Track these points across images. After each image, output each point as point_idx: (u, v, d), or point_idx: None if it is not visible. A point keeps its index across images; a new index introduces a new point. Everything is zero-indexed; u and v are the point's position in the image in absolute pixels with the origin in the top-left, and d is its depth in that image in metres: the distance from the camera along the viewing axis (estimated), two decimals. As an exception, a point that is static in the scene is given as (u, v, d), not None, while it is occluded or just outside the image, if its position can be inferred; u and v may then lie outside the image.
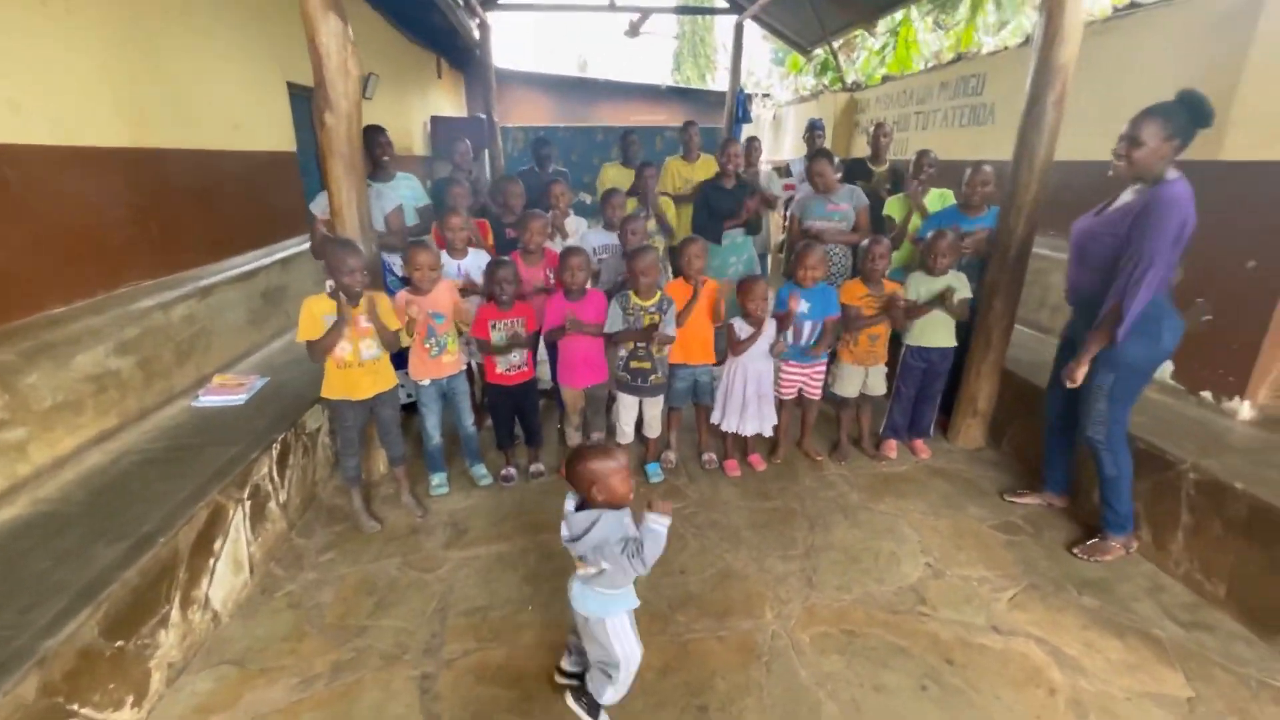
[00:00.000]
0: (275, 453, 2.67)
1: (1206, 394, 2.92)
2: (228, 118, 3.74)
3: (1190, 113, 2.17)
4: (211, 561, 2.19)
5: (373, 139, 3.28)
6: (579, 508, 1.69)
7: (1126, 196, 2.36)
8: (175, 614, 1.99)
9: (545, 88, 13.92)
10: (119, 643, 1.75)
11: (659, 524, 1.61)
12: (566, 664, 1.98)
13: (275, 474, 2.67)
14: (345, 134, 2.68)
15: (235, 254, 3.77)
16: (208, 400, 2.95)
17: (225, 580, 2.26)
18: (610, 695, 1.81)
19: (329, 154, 2.70)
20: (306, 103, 4.53)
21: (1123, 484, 2.48)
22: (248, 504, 2.43)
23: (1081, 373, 2.40)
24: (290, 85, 4.48)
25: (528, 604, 2.35)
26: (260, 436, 2.65)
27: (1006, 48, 5.16)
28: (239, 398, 2.98)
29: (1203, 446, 2.54)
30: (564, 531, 1.69)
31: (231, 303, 3.44)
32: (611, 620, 1.73)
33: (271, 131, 4.28)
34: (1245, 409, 2.78)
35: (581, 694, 1.87)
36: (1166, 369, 3.08)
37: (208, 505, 2.18)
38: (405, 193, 3.45)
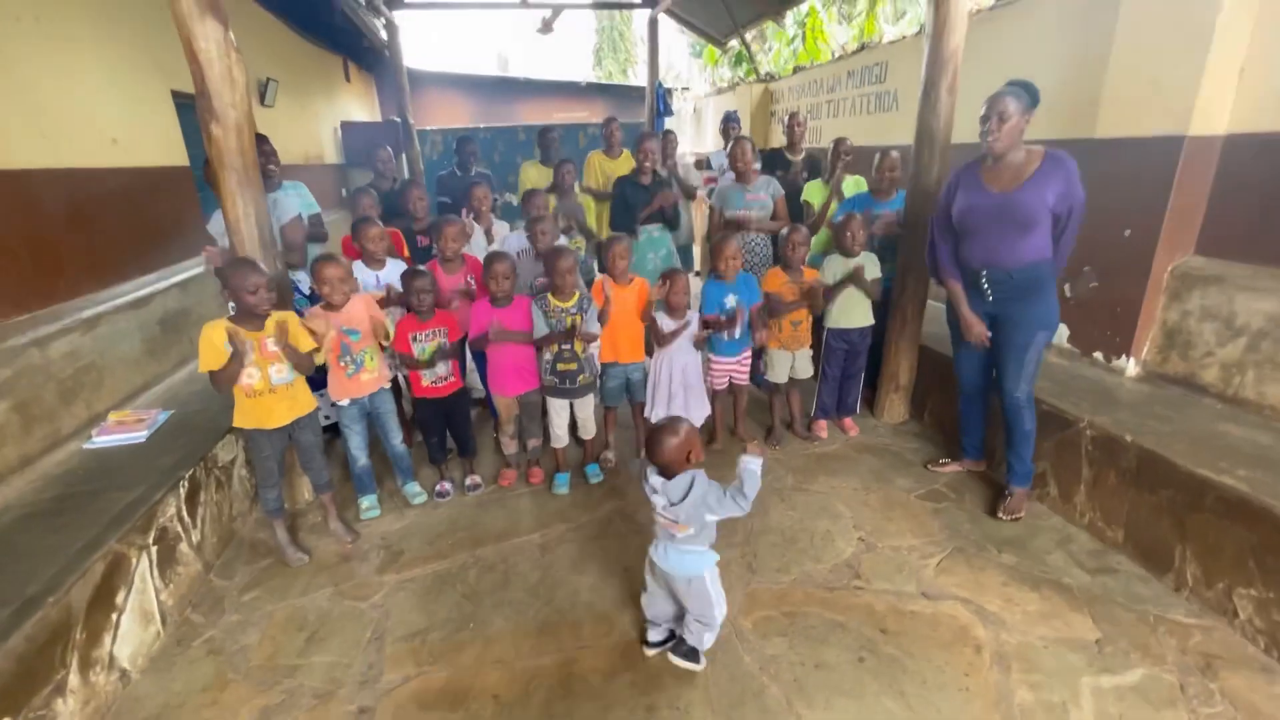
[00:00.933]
0: (184, 491, 2.48)
1: (1098, 355, 3.16)
2: (102, 132, 3.44)
3: (1029, 94, 2.39)
4: (114, 616, 2.02)
5: (261, 152, 3.11)
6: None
7: (998, 170, 2.50)
8: (74, 679, 1.82)
9: (463, 88, 13.58)
10: (5, 719, 1.58)
11: (754, 464, 1.87)
12: (655, 635, 2.12)
13: (185, 513, 2.48)
14: (236, 145, 2.51)
15: (124, 280, 3.49)
16: (103, 441, 2.72)
17: (132, 635, 2.09)
18: (709, 639, 2.05)
19: (220, 167, 2.52)
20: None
21: (1033, 438, 2.66)
22: (154, 549, 2.25)
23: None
24: (176, 94, 4.17)
25: (469, 622, 2.29)
26: (165, 475, 2.47)
27: (905, 37, 5.39)
28: (139, 435, 2.76)
29: (1096, 404, 2.75)
30: (660, 500, 1.90)
31: (124, 333, 3.17)
32: (709, 571, 1.96)
33: (157, 145, 3.97)
34: (1131, 366, 3.02)
35: (681, 649, 2.06)
36: (1063, 333, 3.31)
37: (104, 556, 2.00)
38: (295, 201, 3.28)
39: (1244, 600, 2.08)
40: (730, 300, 3.09)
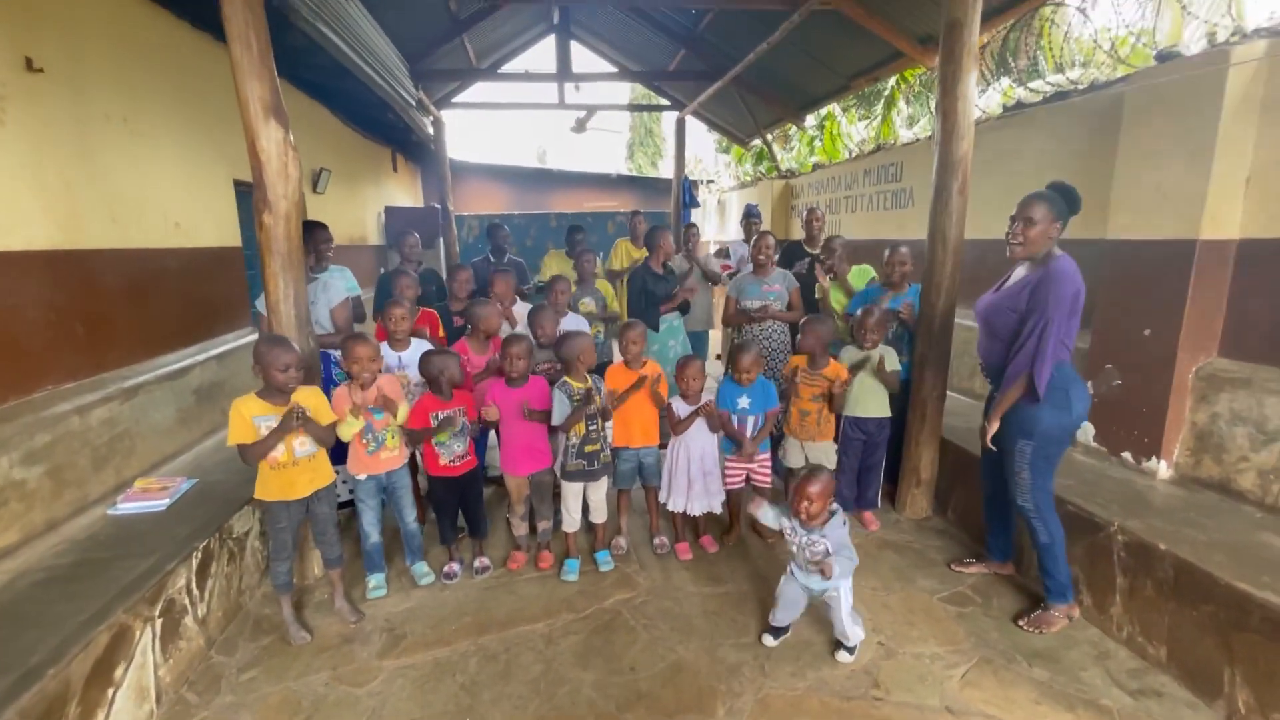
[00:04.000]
0: (195, 562, 2.50)
1: (1127, 455, 3.06)
2: (167, 217, 3.74)
3: (1065, 199, 2.42)
4: (110, 692, 1.99)
5: (315, 235, 3.35)
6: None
7: (1020, 273, 2.57)
8: (61, 758, 1.78)
9: (501, 178, 14.44)
10: (-13, 799, 1.55)
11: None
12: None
13: (194, 585, 2.49)
14: (284, 233, 2.71)
15: (168, 351, 3.67)
16: (126, 508, 2.78)
17: (126, 713, 2.05)
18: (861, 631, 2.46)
19: (267, 252, 2.72)
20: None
21: (1057, 550, 2.53)
22: (159, 622, 2.25)
23: (993, 429, 2.57)
24: (237, 183, 4.54)
25: (465, 716, 2.20)
26: (180, 545, 2.49)
27: (918, 139, 5.66)
28: (160, 503, 2.81)
29: (1127, 507, 2.64)
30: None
31: (159, 402, 3.31)
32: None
33: (215, 228, 4.29)
34: (1163, 468, 2.92)
35: (841, 649, 2.46)
36: (1089, 431, 3.23)
37: (110, 627, 2.00)
38: (341, 284, 3.47)
39: (1305, 735, 1.90)
40: (743, 402, 3.11)
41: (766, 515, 2.53)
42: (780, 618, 2.53)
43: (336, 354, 3.36)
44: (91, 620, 2.00)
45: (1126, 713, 2.15)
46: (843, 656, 2.44)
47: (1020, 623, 2.59)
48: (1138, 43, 3.69)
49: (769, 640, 2.53)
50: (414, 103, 7.27)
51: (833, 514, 2.35)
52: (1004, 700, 2.21)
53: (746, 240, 5.39)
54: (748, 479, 3.25)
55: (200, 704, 2.28)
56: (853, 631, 2.41)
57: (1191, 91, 2.74)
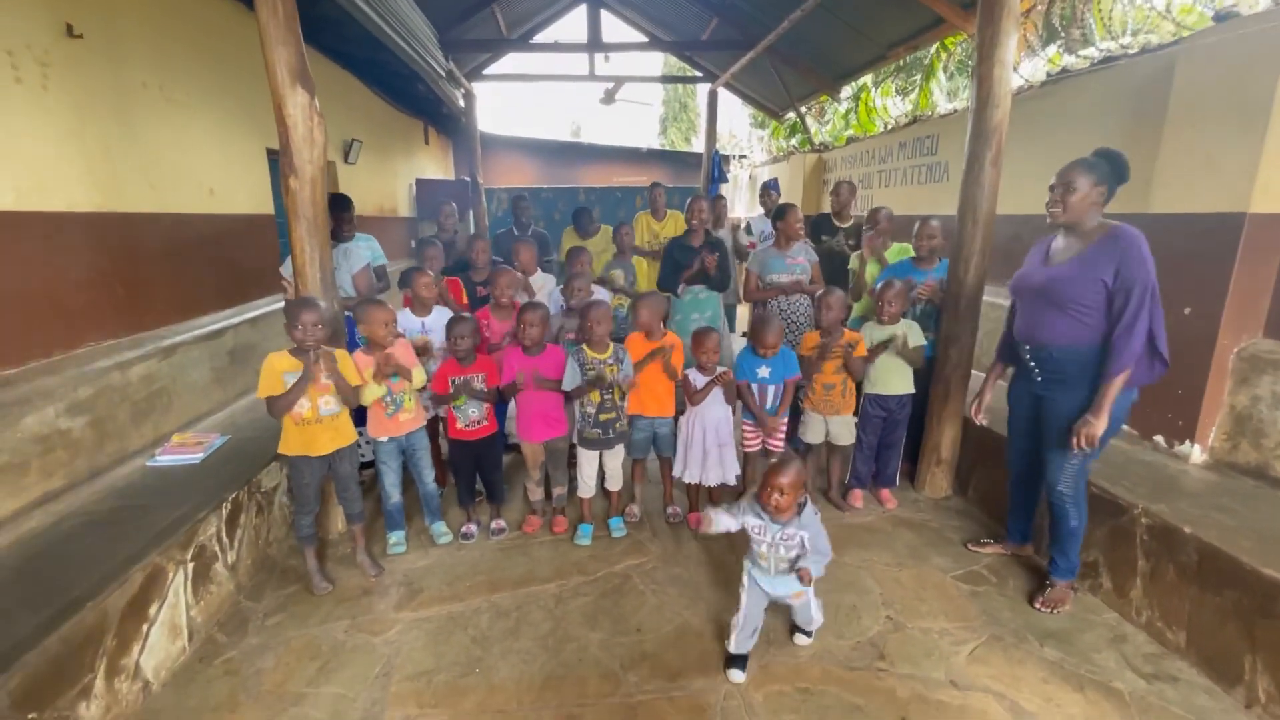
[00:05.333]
0: (225, 512, 2.63)
1: (1159, 438, 2.96)
2: (202, 183, 3.85)
3: (1112, 166, 2.26)
4: (145, 627, 2.12)
5: (340, 209, 3.42)
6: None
7: (1070, 244, 2.35)
8: (99, 684, 1.91)
9: (532, 151, 14.44)
10: (31, 715, 1.67)
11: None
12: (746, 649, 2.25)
13: (224, 534, 2.61)
14: (309, 197, 2.77)
15: (204, 313, 3.81)
16: (163, 460, 2.92)
17: (160, 647, 2.19)
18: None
19: (293, 216, 2.79)
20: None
21: (1080, 534, 2.47)
22: (190, 566, 2.37)
23: (1101, 424, 2.23)
24: (270, 151, 4.64)
25: (475, 667, 2.28)
26: (211, 496, 2.62)
27: (955, 110, 5.45)
28: (195, 457, 2.95)
29: (1154, 491, 2.55)
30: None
31: (195, 361, 3.45)
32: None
33: (249, 196, 4.40)
34: (1196, 453, 2.81)
35: (799, 633, 2.38)
36: (1120, 414, 3.11)
37: (144, 568, 2.12)
38: (365, 253, 3.55)
39: (1327, 726, 1.84)
40: (763, 371, 3.08)
41: (720, 522, 2.19)
42: (744, 643, 2.21)
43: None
44: (128, 561, 2.12)
45: (1138, 696, 2.11)
46: (801, 640, 2.36)
47: (1036, 604, 2.54)
48: (1196, 4, 3.46)
49: (736, 676, 2.18)
50: (444, 74, 7.27)
51: (802, 505, 2.12)
52: (1010, 677, 2.19)
53: (766, 215, 5.28)
54: (764, 447, 3.25)
55: (229, 644, 2.42)
56: (817, 617, 2.31)
57: (1249, 52, 2.57)
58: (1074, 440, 2.27)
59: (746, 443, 3.23)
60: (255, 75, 4.37)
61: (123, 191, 3.18)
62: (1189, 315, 2.80)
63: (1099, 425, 2.23)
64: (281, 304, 4.35)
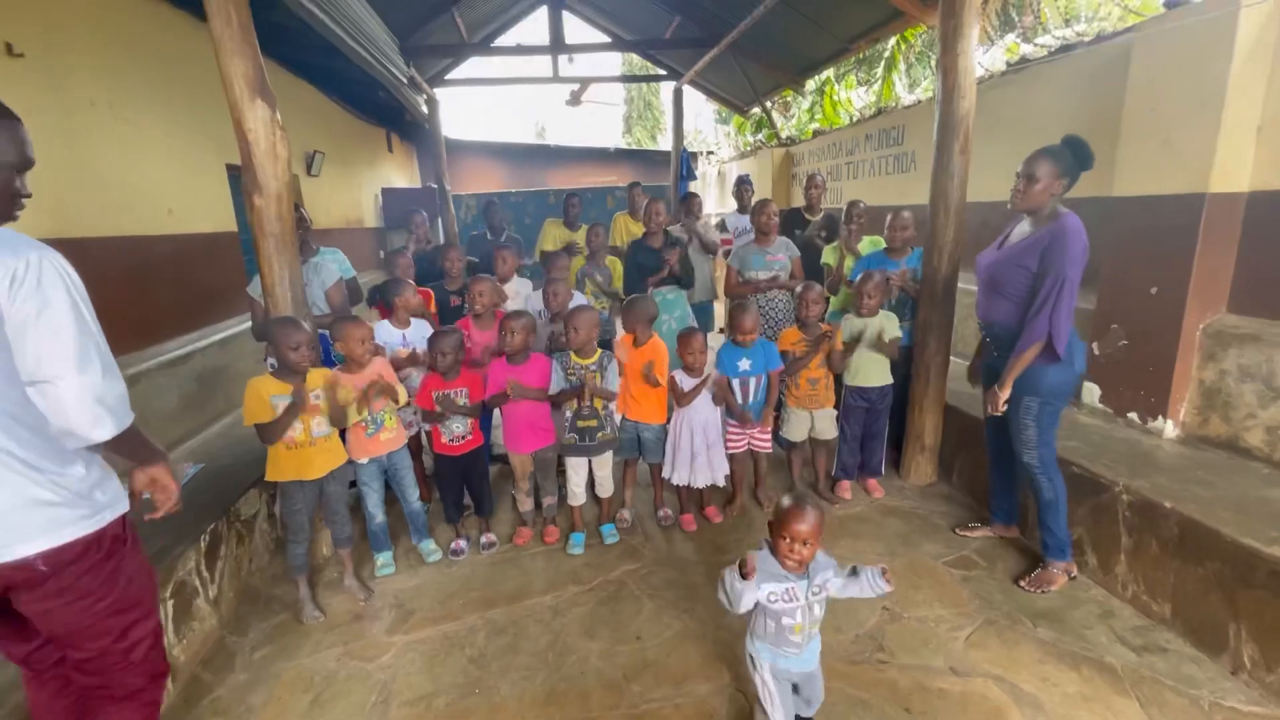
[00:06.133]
0: (204, 544, 2.53)
1: (1133, 415, 3.04)
2: (160, 203, 3.71)
3: (1075, 154, 2.37)
4: (126, 672, 2.02)
5: (299, 226, 3.31)
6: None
7: (1024, 229, 2.55)
8: (80, 736, 1.82)
9: (498, 155, 14.27)
10: (8, 777, 1.59)
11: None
12: None
13: (204, 567, 2.52)
14: (275, 213, 2.68)
15: (168, 338, 3.68)
16: (133, 493, 2.80)
17: (142, 691, 2.09)
18: None
19: (259, 234, 2.69)
20: (246, 183, 4.55)
21: (1059, 506, 2.53)
22: (170, 604, 2.28)
23: (1005, 397, 2.50)
24: (230, 167, 4.50)
25: (475, 687, 2.23)
26: (187, 528, 2.52)
27: (920, 101, 5.54)
28: (168, 488, 2.83)
29: (1133, 467, 2.62)
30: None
31: (161, 389, 3.33)
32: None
33: (209, 214, 4.26)
34: (1169, 428, 2.89)
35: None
36: (1094, 392, 3.20)
37: (121, 610, 2.03)
38: (334, 267, 3.45)
39: (1309, 687, 1.90)
40: (744, 364, 3.08)
41: (745, 600, 1.69)
42: None
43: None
44: (103, 603, 2.02)
45: (1130, 669, 2.16)
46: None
47: (1021, 583, 2.60)
48: (1146, -9, 3.56)
49: None
50: (406, 81, 7.14)
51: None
52: (1008, 660, 2.22)
53: (742, 210, 5.30)
54: (749, 447, 3.25)
55: (215, 681, 2.33)
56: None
57: (1201, 37, 2.65)
58: (986, 404, 2.57)
59: (731, 444, 3.23)
60: (211, 89, 4.24)
61: (74, 215, 3.05)
62: (1155, 294, 2.88)
63: (1001, 395, 2.50)
64: (249, 324, 4.24)
